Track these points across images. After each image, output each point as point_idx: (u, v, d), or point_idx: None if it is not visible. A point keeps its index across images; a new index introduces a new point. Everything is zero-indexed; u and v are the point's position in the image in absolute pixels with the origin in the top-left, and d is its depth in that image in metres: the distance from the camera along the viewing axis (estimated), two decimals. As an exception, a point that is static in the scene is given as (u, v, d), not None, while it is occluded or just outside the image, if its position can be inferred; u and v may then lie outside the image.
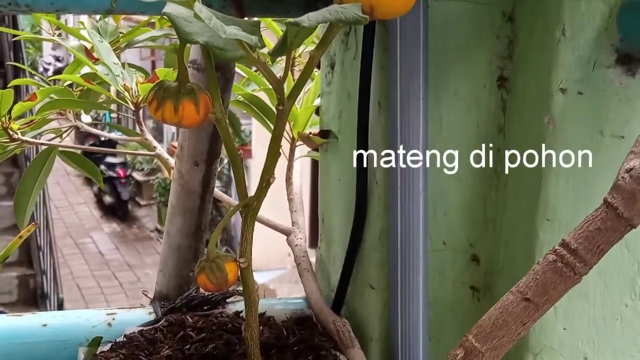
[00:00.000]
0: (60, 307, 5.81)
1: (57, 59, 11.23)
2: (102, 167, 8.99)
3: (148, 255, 8.22)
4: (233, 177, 0.69)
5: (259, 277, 7.48)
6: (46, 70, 9.95)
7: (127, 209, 9.26)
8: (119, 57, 1.07)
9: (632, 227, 0.49)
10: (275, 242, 1.03)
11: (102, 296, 7.52)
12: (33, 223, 0.78)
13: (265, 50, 0.75)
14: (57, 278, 5.88)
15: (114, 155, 8.47)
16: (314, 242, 1.03)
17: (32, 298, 5.97)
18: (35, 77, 1.34)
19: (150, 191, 9.18)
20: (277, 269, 6.81)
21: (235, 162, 0.67)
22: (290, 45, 0.60)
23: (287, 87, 0.64)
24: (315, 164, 1.01)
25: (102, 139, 1.34)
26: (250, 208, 0.68)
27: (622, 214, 0.49)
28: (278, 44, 0.59)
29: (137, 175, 9.36)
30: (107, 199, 9.15)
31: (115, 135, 1.21)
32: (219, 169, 0.89)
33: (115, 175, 9.00)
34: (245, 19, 0.82)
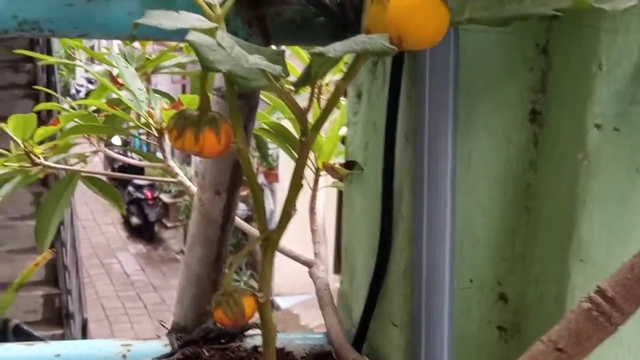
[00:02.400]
0: (84, 327, 5.83)
1: (90, 81, 11.39)
2: (130, 188, 9.05)
3: (173, 276, 8.24)
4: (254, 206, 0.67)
5: (283, 302, 7.44)
6: (78, 92, 10.10)
7: (154, 230, 9.31)
8: (148, 81, 1.06)
9: (674, 275, 0.46)
10: (299, 266, 1.02)
11: (126, 317, 7.53)
12: (50, 250, 0.77)
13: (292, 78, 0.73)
14: (82, 298, 5.90)
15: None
16: (338, 267, 1.00)
17: (57, 317, 5.99)
18: (64, 102, 1.34)
19: (177, 213, 9.21)
20: (301, 294, 6.75)
21: (256, 195, 0.65)
22: (314, 75, 0.58)
23: (313, 116, 0.62)
24: (340, 190, 0.99)
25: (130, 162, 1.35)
26: (270, 241, 0.66)
27: (663, 261, 0.45)
28: (303, 74, 0.57)
29: (165, 197, 9.41)
30: (134, 220, 9.20)
31: (135, 161, 1.20)
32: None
33: (142, 197, 9.05)
34: (272, 47, 0.81)
